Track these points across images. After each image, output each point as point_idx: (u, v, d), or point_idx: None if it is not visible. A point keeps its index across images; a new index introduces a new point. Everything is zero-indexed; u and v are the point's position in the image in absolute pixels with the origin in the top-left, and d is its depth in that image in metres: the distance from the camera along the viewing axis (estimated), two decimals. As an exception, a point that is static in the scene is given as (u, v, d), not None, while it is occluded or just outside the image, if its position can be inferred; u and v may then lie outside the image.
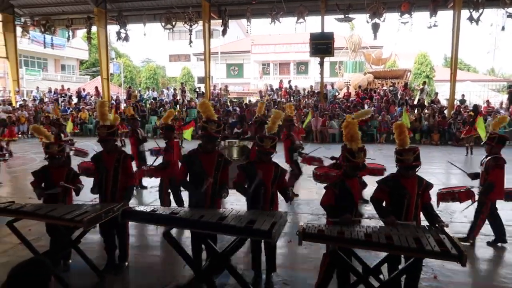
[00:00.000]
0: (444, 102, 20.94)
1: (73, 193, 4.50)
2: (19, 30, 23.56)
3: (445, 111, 18.25)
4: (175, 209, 3.72)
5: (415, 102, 19.73)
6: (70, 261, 4.48)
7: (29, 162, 11.92)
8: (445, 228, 3.39)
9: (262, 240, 3.87)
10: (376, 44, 28.86)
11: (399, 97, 19.80)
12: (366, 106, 18.79)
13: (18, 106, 20.78)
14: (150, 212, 3.58)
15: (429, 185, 3.68)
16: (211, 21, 21.32)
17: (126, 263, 4.46)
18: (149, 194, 7.93)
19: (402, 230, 3.32)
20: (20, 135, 14.18)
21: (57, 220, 3.69)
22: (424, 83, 22.43)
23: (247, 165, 4.17)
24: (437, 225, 3.47)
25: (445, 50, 47.26)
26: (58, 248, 4.24)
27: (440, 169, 11.10)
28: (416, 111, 17.95)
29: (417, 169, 3.59)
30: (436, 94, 21.68)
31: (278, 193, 4.11)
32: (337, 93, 21.93)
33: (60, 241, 4.24)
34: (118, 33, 21.37)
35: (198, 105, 4.50)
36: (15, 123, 14.28)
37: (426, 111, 18.19)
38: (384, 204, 3.67)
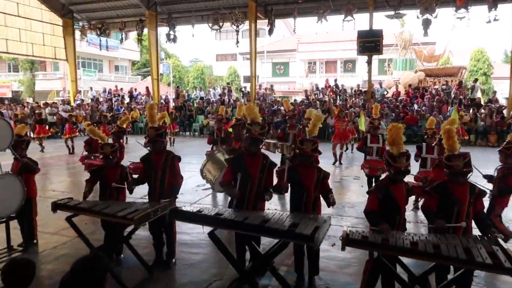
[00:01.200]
0: (503, 101, 19.67)
1: (126, 191, 4.78)
2: (77, 33, 25.10)
3: (504, 111, 17.14)
4: (220, 210, 3.82)
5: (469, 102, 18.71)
6: (122, 256, 4.75)
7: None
8: (499, 239, 3.22)
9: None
10: (428, 41, 27.64)
11: (453, 96, 18.84)
12: (416, 106, 18.08)
13: (75, 106, 22.11)
14: (196, 212, 3.71)
15: (482, 193, 3.50)
16: (258, 20, 21.47)
17: (174, 260, 4.65)
18: (195, 193, 8.16)
19: (452, 239, 3.19)
20: (77, 133, 15.09)
21: (110, 217, 3.92)
22: (476, 80, 21.15)
23: (235, 159, 4.19)
24: (490, 235, 3.30)
25: (505, 45, 44.24)
26: (111, 243, 4.52)
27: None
28: (471, 110, 17.00)
29: (468, 175, 3.43)
30: (494, 92, 20.40)
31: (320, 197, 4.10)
32: (385, 92, 21.28)
33: (113, 237, 4.51)
34: (168, 35, 22.12)
35: (244, 107, 4.59)
36: (75, 122, 15.26)
37: (482, 110, 17.18)
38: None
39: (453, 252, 3.01)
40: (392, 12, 18.62)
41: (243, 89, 25.53)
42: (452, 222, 3.39)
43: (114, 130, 7.39)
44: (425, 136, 7.06)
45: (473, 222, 3.55)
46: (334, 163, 11.13)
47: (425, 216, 3.60)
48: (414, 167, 6.07)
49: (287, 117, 9.24)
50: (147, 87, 25.18)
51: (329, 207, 4.09)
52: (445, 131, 3.63)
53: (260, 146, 4.11)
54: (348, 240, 3.22)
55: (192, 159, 12.44)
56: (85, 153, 8.80)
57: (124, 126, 8.40)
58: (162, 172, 4.49)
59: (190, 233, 5.61)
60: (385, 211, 3.46)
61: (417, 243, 3.15)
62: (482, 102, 19.18)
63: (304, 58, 40.45)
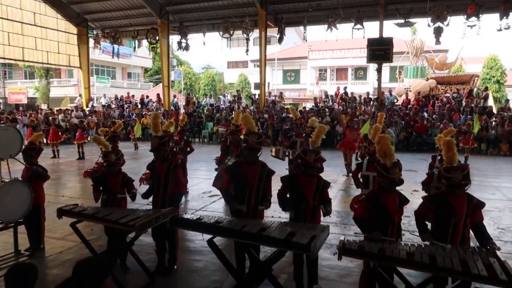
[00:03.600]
0: (516, 110, 19.34)
1: (128, 198, 4.88)
2: (91, 42, 25.62)
3: (517, 120, 16.87)
4: (219, 218, 3.88)
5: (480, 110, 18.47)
6: (127, 261, 4.83)
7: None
8: (496, 251, 3.20)
9: (304, 252, 3.90)
10: (440, 48, 27.46)
11: (464, 104, 18.65)
12: (426, 114, 17.94)
13: (88, 112, 22.51)
14: (195, 220, 3.78)
15: (481, 204, 3.49)
16: (269, 28, 21.64)
17: (175, 266, 4.71)
18: (201, 200, 8.24)
19: (448, 251, 3.19)
20: (89, 139, 15.35)
21: (112, 224, 4.02)
22: (486, 88, 20.88)
23: (233, 168, 4.24)
24: (488, 247, 3.29)
25: (520, 53, 43.64)
26: (114, 249, 4.61)
27: (508, 182, 10.31)
28: (482, 118, 16.78)
29: (466, 188, 3.43)
30: (507, 101, 20.13)
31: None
32: (395, 100, 21.16)
33: (116, 243, 4.60)
34: (179, 43, 22.42)
35: (240, 118, 4.68)
36: (85, 129, 15.52)
37: (494, 119, 16.96)
38: (430, 222, 3.56)
39: (449, 263, 3.01)
40: (402, 21, 18.58)
41: (252, 97, 25.66)
42: (449, 234, 3.38)
43: (109, 135, 7.55)
44: (436, 146, 7.00)
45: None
46: (347, 175, 10.93)
47: (416, 223, 3.61)
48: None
49: (294, 126, 9.27)
50: (158, 94, 25.50)
51: (324, 216, 4.11)
52: (444, 142, 3.63)
53: (259, 155, 4.17)
54: (344, 250, 3.24)
55: (201, 166, 12.56)
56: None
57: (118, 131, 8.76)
58: (165, 180, 4.58)
59: (193, 240, 5.68)
60: (377, 221, 3.47)
61: (414, 253, 3.15)
62: (494, 110, 18.91)
63: (315, 65, 40.53)
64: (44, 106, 31.28)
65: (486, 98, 19.49)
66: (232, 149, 7.50)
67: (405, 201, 3.65)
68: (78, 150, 14.40)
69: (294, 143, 8.51)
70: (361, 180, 5.64)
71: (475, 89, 21.98)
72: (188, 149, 8.81)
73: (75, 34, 25.09)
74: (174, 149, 8.25)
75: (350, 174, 10.95)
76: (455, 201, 3.42)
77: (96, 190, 4.73)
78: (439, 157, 6.53)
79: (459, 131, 14.12)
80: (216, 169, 8.14)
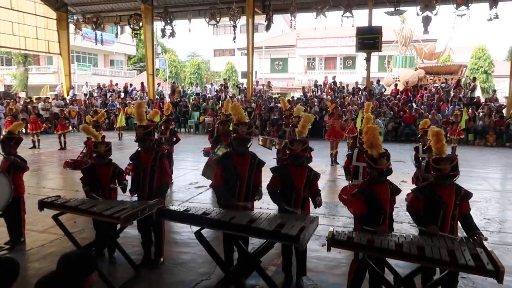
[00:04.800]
0: (503, 100, 19.73)
1: (119, 190, 4.86)
2: (71, 27, 25.04)
3: (504, 110, 17.22)
4: (207, 210, 3.88)
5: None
6: (115, 254, 4.80)
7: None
8: (483, 241, 3.28)
9: (293, 244, 3.93)
10: (429, 38, 27.70)
11: (452, 94, 18.91)
12: (414, 104, 18.14)
13: (68, 101, 22.10)
14: (182, 212, 3.77)
15: (468, 195, 3.56)
16: (256, 15, 21.45)
17: (162, 259, 4.70)
18: (187, 191, 8.21)
19: (436, 242, 3.25)
20: (70, 129, 15.13)
21: (97, 216, 3.98)
22: (474, 79, 21.21)
23: (224, 159, 4.26)
24: (475, 237, 3.36)
25: (509, 43, 44.32)
26: (99, 242, 4.57)
27: (494, 173, 10.56)
28: (470, 109, 17.07)
29: (454, 179, 3.49)
30: (494, 91, 20.47)
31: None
32: (384, 90, 21.33)
33: (101, 235, 4.57)
34: (163, 30, 22.07)
35: (230, 107, 4.65)
36: (68, 118, 15.26)
37: (481, 109, 17.25)
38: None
39: (437, 254, 3.07)
40: (392, 9, 18.65)
41: (239, 85, 25.53)
42: (437, 224, 3.44)
43: (91, 125, 7.46)
44: (418, 136, 7.11)
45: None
46: (332, 165, 11.11)
47: (411, 216, 3.67)
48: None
49: (284, 116, 9.30)
50: (142, 83, 25.18)
51: (315, 208, 4.15)
52: (433, 133, 3.67)
53: (249, 145, 4.16)
54: (333, 241, 3.27)
55: (187, 156, 12.52)
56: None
57: (101, 121, 8.83)
58: (151, 171, 4.54)
59: (179, 232, 5.67)
60: (369, 211, 3.51)
61: (402, 244, 3.21)
62: (482, 101, 19.22)
63: (304, 54, 40.50)
64: (22, 94, 30.58)
65: (474, 88, 19.77)
66: (223, 139, 7.49)
67: (397, 191, 3.69)
68: (59, 140, 14.19)
69: (284, 133, 8.57)
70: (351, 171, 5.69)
71: (463, 79, 22.29)
72: (174, 139, 8.76)
73: (54, 19, 24.47)
74: (160, 139, 8.19)
75: (335, 164, 11.11)
76: (444, 192, 3.48)
77: (86, 183, 4.65)
78: (421, 147, 6.68)
79: (447, 122, 14.32)
80: (204, 153, 8.14)
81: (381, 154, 3.55)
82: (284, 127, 8.80)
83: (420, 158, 6.58)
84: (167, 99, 23.54)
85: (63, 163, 8.22)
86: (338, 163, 11.19)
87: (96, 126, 7.64)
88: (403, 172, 9.41)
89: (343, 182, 8.43)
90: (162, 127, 8.70)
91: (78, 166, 7.55)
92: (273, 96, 22.25)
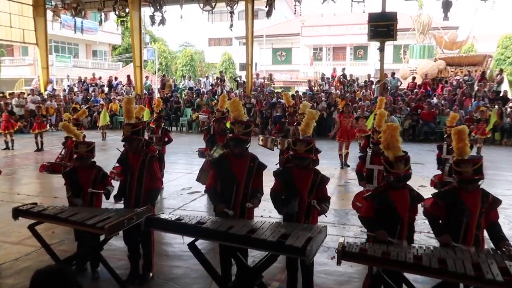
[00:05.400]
0: (533, 95, 19.75)
1: (103, 196, 4.83)
2: (49, 14, 25.02)
3: (535, 106, 17.23)
4: (201, 218, 3.87)
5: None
6: (99, 268, 4.79)
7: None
8: (513, 253, 3.27)
9: (298, 256, 3.93)
10: (450, 25, 27.74)
11: (476, 88, 18.92)
12: (434, 100, 18.14)
13: (46, 96, 22.09)
14: (174, 221, 3.75)
15: (496, 201, 3.55)
16: (255, 0, 21.46)
17: (151, 274, 4.69)
18: (179, 198, 8.21)
19: (460, 254, 3.24)
20: (48, 128, 15.12)
21: (78, 225, 3.96)
22: (501, 71, 21.23)
23: (219, 161, 4.27)
24: (503, 249, 3.35)
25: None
26: (81, 255, 4.56)
27: (523, 176, 10.54)
28: (496, 106, 17.07)
29: (479, 183, 3.48)
30: (524, 85, 20.51)
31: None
32: (399, 83, 21.34)
33: (83, 247, 4.55)
34: (152, 17, 22.06)
35: (226, 103, 4.65)
36: (45, 115, 15.26)
37: (509, 105, 17.25)
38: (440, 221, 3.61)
39: (461, 267, 3.05)
40: (408, -8, 18.66)
41: (238, 79, 25.53)
42: (460, 234, 3.44)
43: (71, 123, 7.48)
44: (445, 136, 7.09)
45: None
46: (341, 167, 11.14)
47: (429, 224, 3.67)
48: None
49: (287, 113, 9.30)
50: (128, 76, 25.18)
51: (319, 215, 4.14)
52: (455, 131, 3.67)
53: (247, 147, 4.15)
54: (343, 253, 3.26)
55: (179, 158, 12.52)
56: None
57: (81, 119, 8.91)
58: (139, 174, 4.53)
59: (171, 244, 5.66)
60: (383, 220, 3.50)
61: (421, 257, 3.19)
62: (510, 96, 19.23)
63: (309, 43, 40.54)
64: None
65: (500, 81, 19.79)
66: (218, 139, 7.48)
67: (419, 198, 3.67)
68: (35, 140, 14.18)
69: (287, 132, 8.56)
70: (364, 174, 5.69)
71: (489, 72, 22.30)
72: (166, 139, 8.76)
73: (30, 5, 24.42)
74: (150, 139, 8.19)
75: (345, 166, 11.13)
76: (468, 198, 3.47)
77: (70, 190, 4.63)
78: (446, 147, 6.66)
79: (470, 119, 14.32)
80: (199, 154, 8.14)
81: (398, 158, 3.54)
82: (288, 125, 8.79)
83: (443, 159, 6.58)
84: (157, 94, 23.55)
85: (39, 167, 8.20)
86: (348, 166, 11.20)
87: (76, 125, 7.64)
88: (421, 175, 9.39)
89: (355, 188, 8.44)
90: (153, 126, 8.70)
91: (56, 169, 7.54)
92: (275, 91, 22.24)
